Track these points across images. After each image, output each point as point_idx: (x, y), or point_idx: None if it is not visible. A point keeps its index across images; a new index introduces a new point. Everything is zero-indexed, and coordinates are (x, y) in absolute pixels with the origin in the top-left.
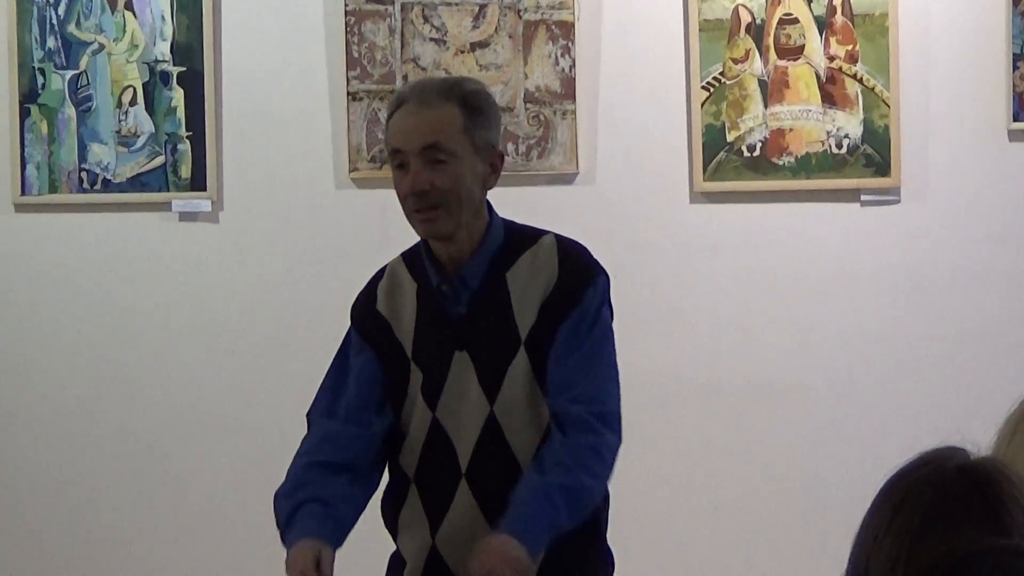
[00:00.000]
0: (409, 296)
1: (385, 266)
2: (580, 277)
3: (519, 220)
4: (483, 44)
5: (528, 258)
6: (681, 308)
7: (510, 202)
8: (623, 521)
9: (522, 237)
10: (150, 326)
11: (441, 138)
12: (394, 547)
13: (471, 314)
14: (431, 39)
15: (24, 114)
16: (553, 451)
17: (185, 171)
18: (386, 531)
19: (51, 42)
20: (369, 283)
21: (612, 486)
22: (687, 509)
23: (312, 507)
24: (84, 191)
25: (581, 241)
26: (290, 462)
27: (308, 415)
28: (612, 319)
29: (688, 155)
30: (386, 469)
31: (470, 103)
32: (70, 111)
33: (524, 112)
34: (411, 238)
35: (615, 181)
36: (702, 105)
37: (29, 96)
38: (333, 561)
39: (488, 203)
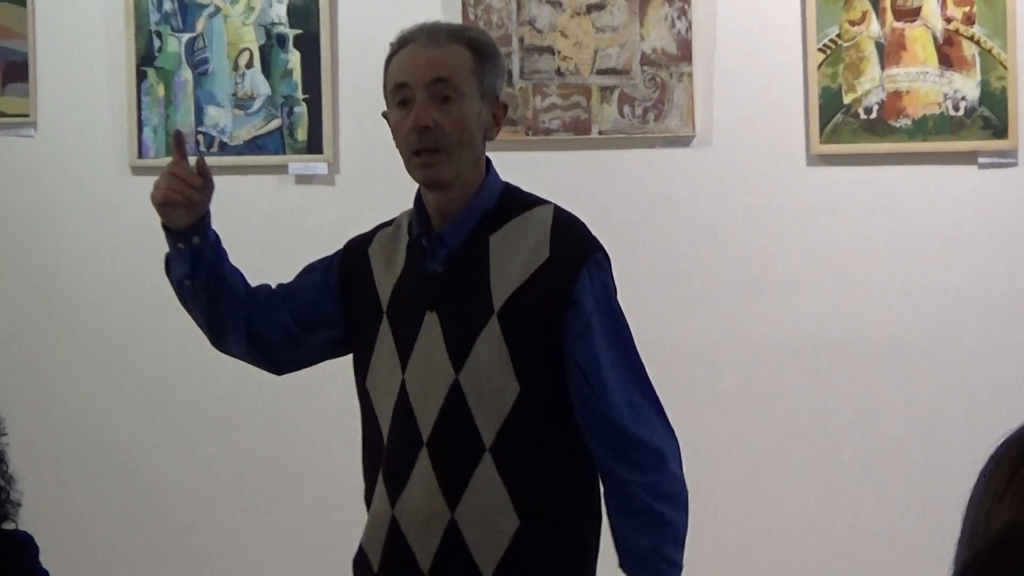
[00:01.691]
0: (401, 249)
1: (401, 213)
2: (573, 256)
3: (638, 182)
4: (599, 7)
5: (518, 225)
6: (797, 271)
7: (626, 165)
8: (750, 483)
9: (516, 202)
10: None
11: (451, 73)
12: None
13: (447, 274)
14: (547, 1)
15: (141, 77)
16: (628, 494)
17: (301, 134)
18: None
19: (167, 5)
20: (376, 226)
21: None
22: (816, 468)
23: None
24: (200, 154)
25: (692, 204)
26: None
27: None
28: (616, 293)
29: (804, 118)
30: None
31: (480, 48)
32: (186, 74)
33: (640, 75)
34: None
35: (731, 144)
36: (819, 67)
37: (146, 59)
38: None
39: (488, 160)
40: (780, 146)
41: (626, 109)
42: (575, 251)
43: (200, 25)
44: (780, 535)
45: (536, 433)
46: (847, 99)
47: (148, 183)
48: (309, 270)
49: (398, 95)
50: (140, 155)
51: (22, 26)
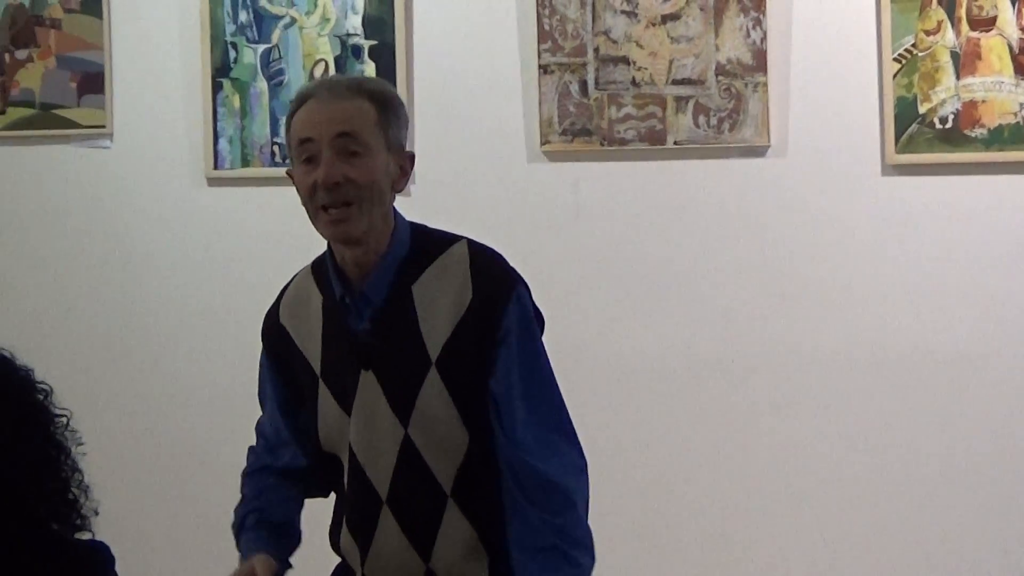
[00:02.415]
0: (315, 309)
1: (294, 276)
2: (497, 293)
3: (713, 192)
4: (674, 16)
5: (436, 270)
6: (872, 281)
7: (701, 175)
8: (818, 485)
9: (430, 245)
10: None
11: (356, 128)
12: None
13: (376, 330)
14: (622, 12)
15: (216, 88)
16: (535, 532)
17: None
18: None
19: (243, 16)
20: (278, 294)
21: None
22: (895, 479)
23: (251, 519)
24: (276, 165)
25: (767, 214)
26: None
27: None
28: (542, 328)
29: (880, 128)
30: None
31: (380, 99)
32: (262, 85)
33: (715, 85)
34: (609, 210)
35: (806, 154)
36: (894, 77)
37: (221, 70)
38: (269, 565)
39: (395, 209)
40: (855, 156)
41: (701, 119)
42: (498, 287)
43: (276, 36)
44: (854, 547)
45: (492, 470)
46: (922, 109)
47: (223, 194)
48: (262, 400)
49: (303, 151)
50: (216, 166)
51: (99, 37)
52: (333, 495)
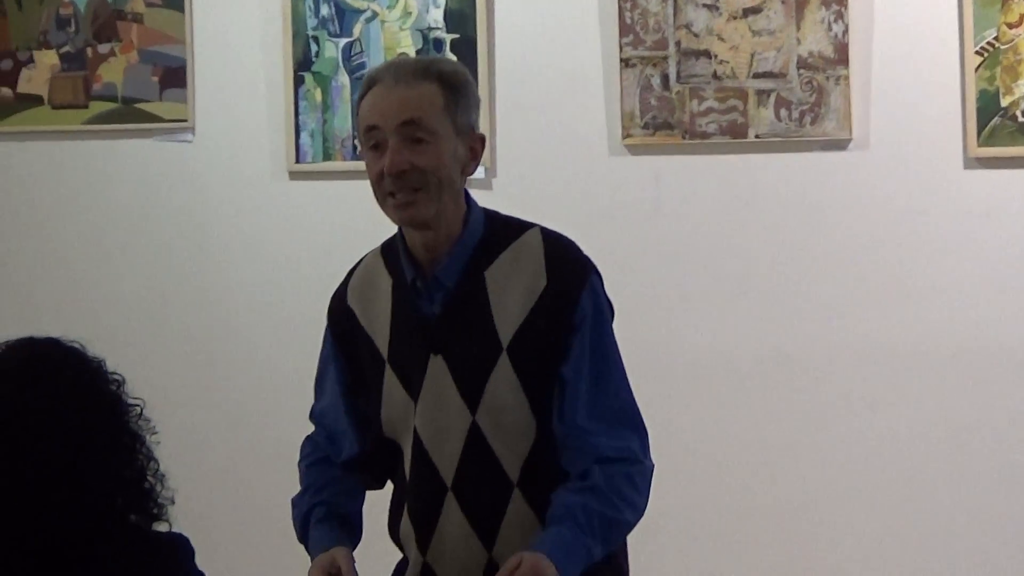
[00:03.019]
0: (384, 292)
1: (362, 258)
2: (573, 280)
3: (794, 185)
4: (756, 10)
5: (510, 256)
6: (954, 275)
7: (783, 169)
8: (905, 487)
9: (504, 231)
10: None
11: (422, 115)
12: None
13: (446, 315)
14: (704, 5)
15: (298, 82)
16: (593, 477)
17: None
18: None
19: (325, 10)
20: (346, 276)
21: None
22: (972, 475)
23: (320, 512)
24: (357, 158)
25: (849, 208)
26: None
27: (310, 414)
28: (613, 316)
29: (962, 121)
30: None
31: (449, 82)
32: (344, 79)
33: (797, 78)
34: (689, 204)
35: (888, 147)
36: (976, 70)
37: (303, 64)
38: (350, 559)
39: (467, 193)
40: (937, 149)
41: (783, 112)
42: (573, 274)
43: (357, 30)
44: (933, 546)
45: (557, 460)
46: (1004, 102)
47: (305, 187)
48: (321, 385)
49: (370, 138)
50: (297, 160)
51: (181, 32)
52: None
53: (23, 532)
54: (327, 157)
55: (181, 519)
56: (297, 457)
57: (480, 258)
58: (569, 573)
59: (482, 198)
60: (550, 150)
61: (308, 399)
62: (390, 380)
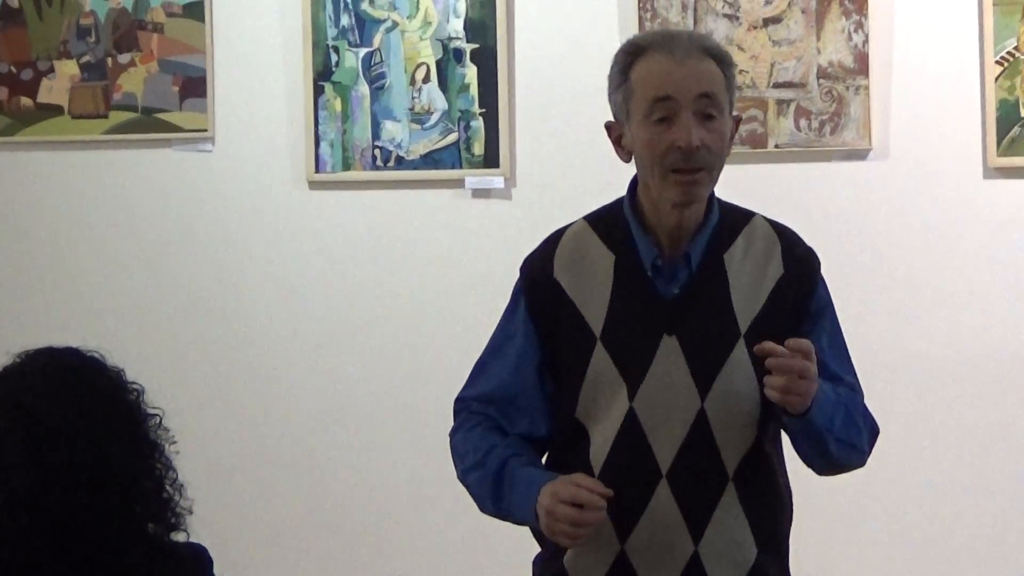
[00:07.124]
0: (602, 268)
1: (563, 229)
2: (809, 268)
3: (814, 195)
4: (776, 20)
5: (744, 241)
6: (974, 284)
7: (803, 178)
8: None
9: (733, 215)
10: (443, 303)
11: (715, 89)
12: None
13: (687, 295)
14: (724, 15)
15: (318, 92)
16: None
17: (478, 148)
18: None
19: (345, 20)
20: (543, 247)
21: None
22: (985, 481)
23: (522, 460)
24: (377, 168)
25: (869, 217)
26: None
27: (460, 400)
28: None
29: (981, 131)
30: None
31: (725, 61)
32: (363, 89)
33: (817, 88)
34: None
35: (908, 157)
36: (996, 80)
37: (323, 74)
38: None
39: None
40: (957, 159)
41: (803, 122)
42: (809, 263)
43: (377, 40)
44: (950, 553)
45: (770, 459)
46: None
47: (325, 197)
48: (498, 359)
49: (657, 109)
50: (317, 170)
51: (201, 42)
52: None
53: (42, 541)
54: (347, 167)
55: (199, 529)
56: (313, 463)
57: (720, 241)
58: (819, 409)
59: (502, 206)
60: (571, 160)
61: (329, 409)
62: (599, 358)
